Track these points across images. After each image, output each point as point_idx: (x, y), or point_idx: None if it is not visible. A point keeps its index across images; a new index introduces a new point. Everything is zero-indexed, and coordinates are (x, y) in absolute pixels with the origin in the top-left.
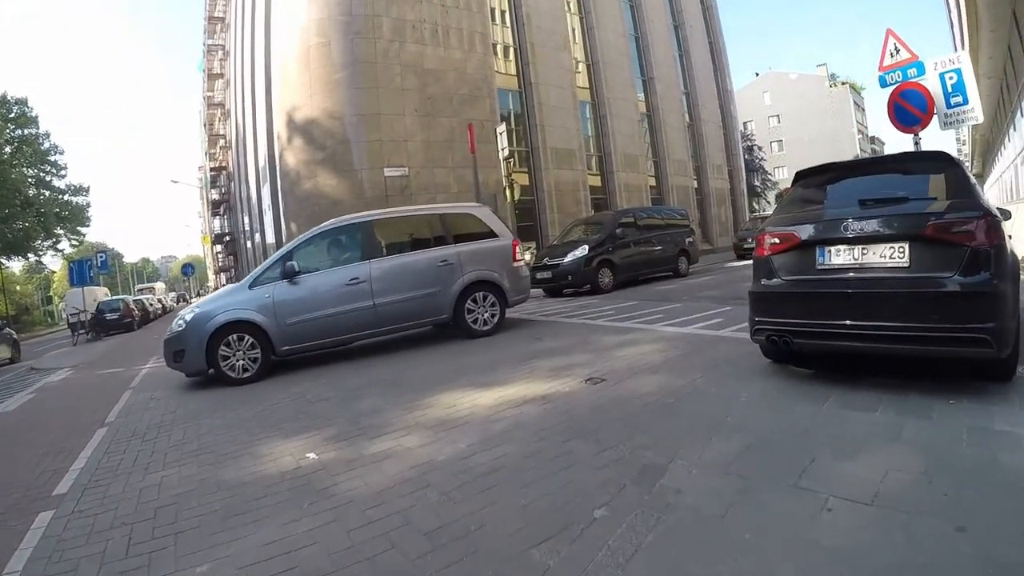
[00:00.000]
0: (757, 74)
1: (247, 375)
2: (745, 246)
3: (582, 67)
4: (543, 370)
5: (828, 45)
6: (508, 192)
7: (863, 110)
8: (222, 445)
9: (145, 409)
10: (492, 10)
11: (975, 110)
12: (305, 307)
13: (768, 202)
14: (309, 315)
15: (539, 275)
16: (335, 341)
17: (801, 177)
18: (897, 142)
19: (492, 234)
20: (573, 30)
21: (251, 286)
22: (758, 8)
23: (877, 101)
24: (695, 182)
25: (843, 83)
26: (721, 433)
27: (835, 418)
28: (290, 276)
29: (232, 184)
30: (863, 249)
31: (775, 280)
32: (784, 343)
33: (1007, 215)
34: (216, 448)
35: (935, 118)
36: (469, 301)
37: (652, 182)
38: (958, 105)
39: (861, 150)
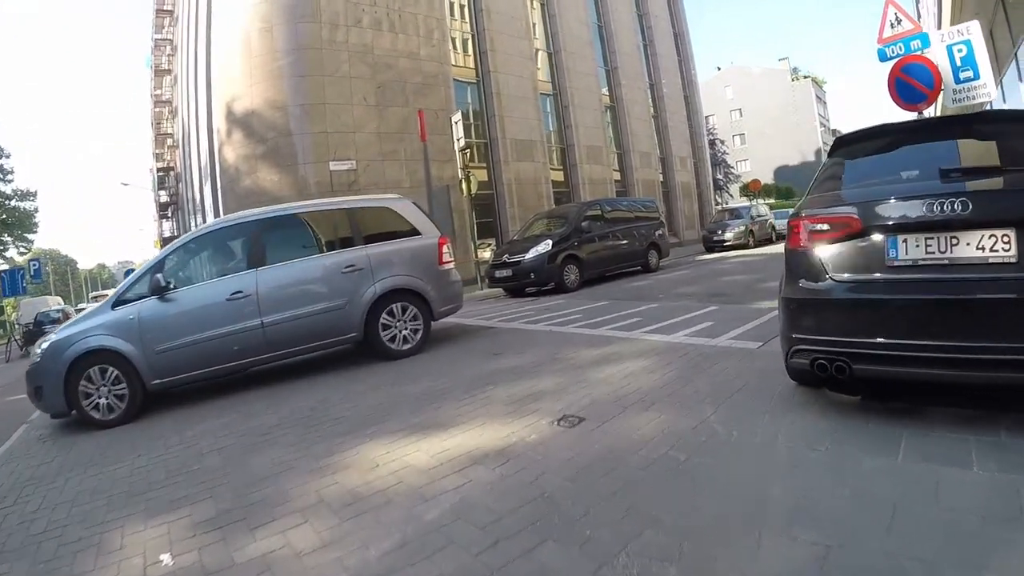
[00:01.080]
0: (719, 68)
1: (113, 416)
2: (714, 238)
3: (543, 56)
4: (501, 403)
5: (791, 39)
6: (464, 185)
7: (825, 103)
8: (72, 527)
9: (25, 455)
10: None
11: (987, 85)
12: (178, 330)
13: (731, 195)
14: (183, 340)
15: (498, 273)
16: (220, 371)
17: (844, 144)
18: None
19: (414, 232)
20: (534, 18)
21: (114, 306)
22: (720, 2)
23: (839, 94)
24: (660, 175)
25: (805, 77)
26: (774, 522)
27: (924, 481)
28: (159, 292)
29: (180, 185)
30: (951, 238)
31: (824, 282)
32: (839, 370)
33: None
34: (63, 531)
35: (942, 94)
36: (384, 315)
37: (617, 176)
38: (968, 80)
39: (824, 143)
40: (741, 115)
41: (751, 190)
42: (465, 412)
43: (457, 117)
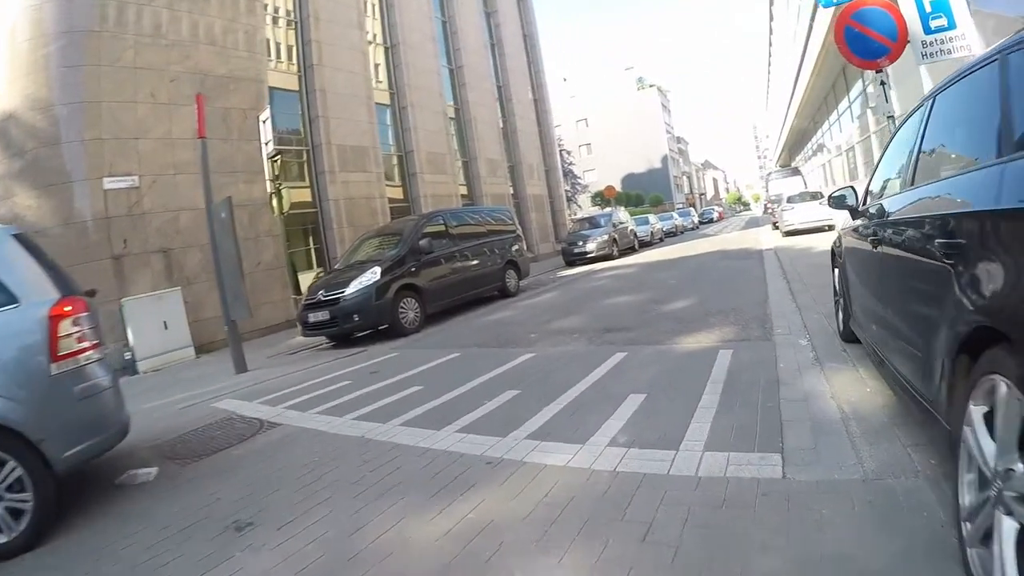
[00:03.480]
0: (565, 79)
1: None
2: (575, 251)
3: (378, 50)
4: None
5: (634, 48)
6: (275, 202)
7: (670, 111)
8: None
9: None
10: None
11: (966, 36)
12: None
13: (579, 206)
14: None
15: (312, 317)
16: None
17: None
18: (700, 142)
19: (9, 300)
20: (369, 11)
21: None
22: (562, 10)
23: (682, 103)
24: (511, 186)
25: (651, 86)
26: None
27: None
28: None
29: None
30: None
31: None
32: None
33: None
34: None
35: (909, 47)
36: None
37: (464, 190)
38: (941, 30)
39: (670, 149)
40: (587, 125)
41: (606, 197)
42: None
43: (265, 115)
